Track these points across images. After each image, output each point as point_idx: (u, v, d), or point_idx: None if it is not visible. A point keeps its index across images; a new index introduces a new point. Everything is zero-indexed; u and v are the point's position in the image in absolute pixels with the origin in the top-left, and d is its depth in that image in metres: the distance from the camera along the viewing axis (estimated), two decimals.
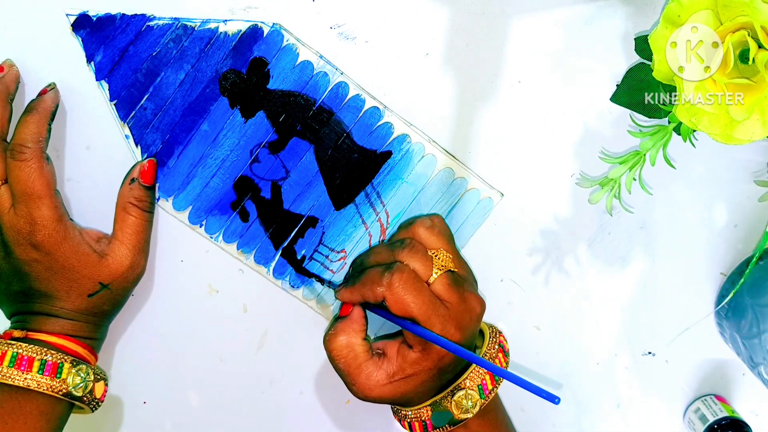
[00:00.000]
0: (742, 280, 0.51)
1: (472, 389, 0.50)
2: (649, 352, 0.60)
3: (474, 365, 0.50)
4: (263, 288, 0.55)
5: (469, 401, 0.49)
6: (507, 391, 0.59)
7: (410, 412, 0.51)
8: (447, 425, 0.50)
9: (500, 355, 0.52)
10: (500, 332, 0.54)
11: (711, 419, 0.59)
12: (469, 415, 0.50)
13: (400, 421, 0.53)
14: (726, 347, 0.59)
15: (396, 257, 0.50)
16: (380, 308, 0.50)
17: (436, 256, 0.50)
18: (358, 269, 0.53)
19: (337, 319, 0.52)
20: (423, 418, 0.50)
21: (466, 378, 0.50)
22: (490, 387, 0.50)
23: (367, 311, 0.52)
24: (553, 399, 0.43)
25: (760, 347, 0.54)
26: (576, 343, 0.59)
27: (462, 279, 0.51)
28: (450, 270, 0.50)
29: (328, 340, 0.51)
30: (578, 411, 0.61)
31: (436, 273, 0.49)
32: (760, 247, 0.50)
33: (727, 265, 0.58)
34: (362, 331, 0.51)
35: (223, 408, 0.59)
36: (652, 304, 0.58)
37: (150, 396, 0.58)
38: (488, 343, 0.52)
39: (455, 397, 0.49)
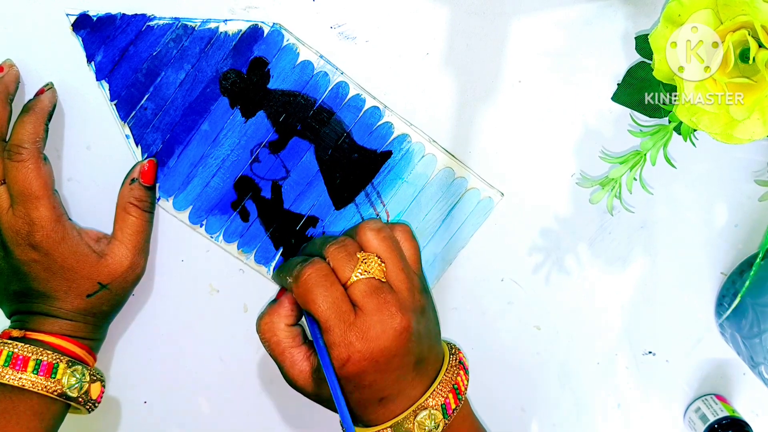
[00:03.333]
0: (747, 283, 0.51)
1: (436, 408, 0.46)
2: (649, 352, 0.60)
3: (437, 381, 0.47)
4: (264, 288, 0.55)
5: (432, 421, 0.46)
6: (507, 391, 0.59)
7: None
8: None
9: (461, 372, 0.49)
10: (459, 349, 0.51)
11: (711, 419, 0.59)
12: None
13: None
14: (726, 347, 0.59)
15: (323, 251, 0.47)
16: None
17: (364, 260, 0.46)
18: (298, 255, 0.52)
19: (272, 302, 0.50)
20: None
21: (429, 397, 0.46)
22: (453, 406, 0.47)
23: None
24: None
25: (760, 347, 0.54)
26: (576, 343, 0.59)
27: (392, 291, 0.46)
28: (375, 278, 0.46)
29: (257, 321, 0.50)
30: (578, 411, 0.61)
31: (356, 277, 0.46)
32: (763, 247, 0.50)
33: (727, 265, 0.58)
34: (288, 317, 0.49)
35: (223, 408, 0.59)
36: (652, 304, 0.59)
37: (150, 396, 0.58)
38: (449, 360, 0.49)
39: (418, 418, 0.46)
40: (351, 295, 0.46)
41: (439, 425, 0.46)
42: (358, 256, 0.47)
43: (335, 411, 0.48)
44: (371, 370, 0.45)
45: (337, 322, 0.45)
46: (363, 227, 0.48)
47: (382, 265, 0.47)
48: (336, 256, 0.46)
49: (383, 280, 0.46)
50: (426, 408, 0.46)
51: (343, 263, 0.46)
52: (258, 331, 0.49)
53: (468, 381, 0.49)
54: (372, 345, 0.45)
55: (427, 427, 0.46)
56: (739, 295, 0.52)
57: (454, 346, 0.51)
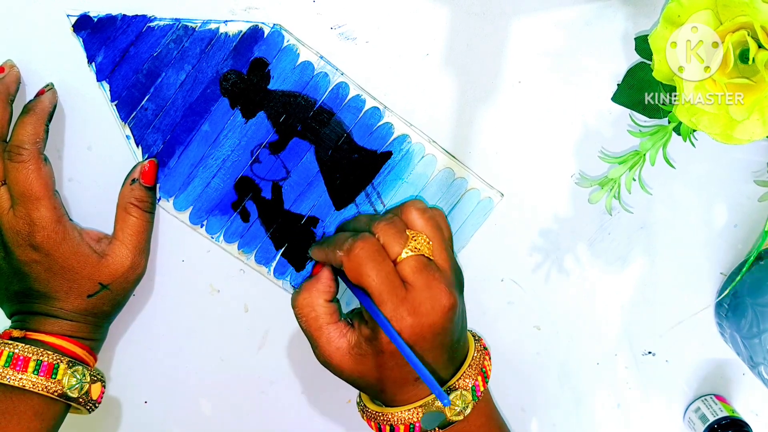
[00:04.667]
0: (738, 277, 0.51)
1: (466, 389, 0.47)
2: (649, 352, 0.60)
3: (466, 364, 0.48)
4: (264, 288, 0.55)
5: (462, 402, 0.47)
6: (507, 391, 0.59)
7: (399, 413, 0.47)
8: (437, 428, 0.47)
9: (486, 357, 0.50)
10: (481, 337, 0.52)
11: (711, 419, 0.59)
12: (461, 418, 0.47)
13: (380, 424, 0.48)
14: (726, 347, 0.59)
15: (371, 227, 0.47)
16: (345, 277, 0.48)
17: (413, 237, 0.47)
18: (340, 231, 0.53)
19: (308, 278, 0.51)
20: (412, 421, 0.47)
21: (460, 378, 0.48)
22: (481, 389, 0.48)
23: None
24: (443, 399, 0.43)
25: (760, 347, 0.54)
26: (576, 343, 0.59)
27: (439, 270, 0.47)
28: (424, 255, 0.47)
29: (293, 297, 0.49)
30: (578, 411, 0.61)
31: (406, 253, 0.46)
32: (758, 247, 0.50)
33: (727, 265, 0.58)
34: (327, 293, 0.49)
35: (223, 408, 0.59)
36: (652, 304, 0.59)
37: (151, 396, 0.58)
38: (475, 345, 0.50)
39: (450, 397, 0.47)
40: (401, 272, 0.46)
41: (468, 406, 0.47)
42: (408, 233, 0.47)
43: (365, 390, 0.49)
44: (418, 346, 0.46)
45: (389, 296, 0.45)
46: (409, 207, 0.49)
47: (430, 243, 0.48)
48: (387, 232, 0.47)
49: (431, 257, 0.47)
50: (457, 389, 0.47)
51: (393, 239, 0.47)
52: (294, 306, 0.49)
53: (491, 366, 0.50)
54: (423, 320, 0.45)
55: (457, 408, 0.47)
56: (730, 288, 0.52)
57: (476, 333, 0.53)
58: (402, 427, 0.47)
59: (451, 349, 0.48)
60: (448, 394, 0.47)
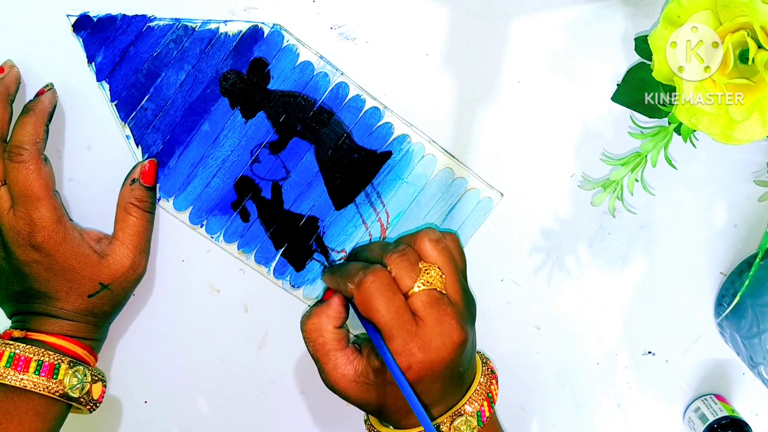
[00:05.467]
0: (747, 282, 0.51)
1: (472, 415, 0.47)
2: (649, 352, 0.60)
3: (472, 389, 0.48)
4: (264, 288, 0.55)
5: (468, 427, 0.47)
6: (507, 392, 0.59)
7: None
8: None
9: (493, 381, 0.50)
10: (489, 358, 0.52)
11: (711, 419, 0.59)
12: None
13: None
14: (726, 347, 0.59)
15: (384, 258, 0.47)
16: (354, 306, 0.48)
17: (426, 270, 0.47)
18: (352, 258, 0.53)
19: (318, 302, 0.51)
20: None
21: (466, 403, 0.47)
22: (487, 414, 0.48)
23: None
24: None
25: (760, 347, 0.54)
26: (576, 343, 0.59)
27: (451, 304, 0.47)
28: (436, 289, 0.47)
29: (302, 321, 0.49)
30: (578, 411, 0.61)
31: (418, 287, 0.46)
32: (762, 247, 0.50)
33: (727, 265, 0.58)
34: (337, 319, 0.48)
35: (223, 408, 0.59)
36: (652, 304, 0.59)
37: (151, 396, 0.58)
38: (482, 370, 0.50)
39: (455, 423, 0.47)
40: (412, 305, 0.46)
41: (473, 431, 0.47)
42: (420, 266, 0.47)
43: (372, 414, 0.49)
44: (427, 379, 0.46)
45: (399, 332, 0.45)
46: (422, 237, 0.48)
47: (443, 276, 0.47)
48: (399, 265, 0.46)
49: (443, 291, 0.47)
50: (462, 414, 0.47)
51: (405, 273, 0.46)
52: (303, 330, 0.49)
53: (498, 390, 0.50)
54: (432, 356, 0.45)
55: None
56: (738, 295, 0.52)
57: (485, 355, 0.52)
58: None
59: (459, 377, 0.48)
60: (454, 420, 0.47)
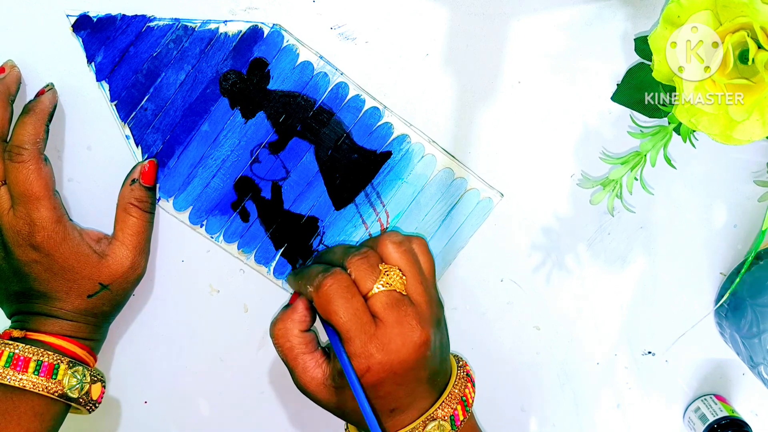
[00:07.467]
0: (738, 278, 0.51)
1: (445, 420, 0.46)
2: (649, 352, 0.60)
3: (446, 393, 0.47)
4: (264, 288, 0.56)
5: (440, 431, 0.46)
6: (507, 392, 0.59)
7: None
8: None
9: (469, 384, 0.49)
10: (466, 362, 0.51)
11: (711, 419, 0.59)
12: None
13: None
14: (726, 347, 0.59)
15: (345, 261, 0.47)
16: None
17: (386, 272, 0.46)
18: (315, 262, 0.52)
19: (285, 307, 0.50)
20: None
21: (438, 408, 0.47)
22: (461, 418, 0.47)
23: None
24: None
25: (759, 347, 0.54)
26: (576, 343, 0.59)
27: (412, 305, 0.46)
28: (396, 290, 0.46)
29: (270, 326, 0.49)
30: (578, 411, 0.61)
31: (378, 288, 0.46)
32: (756, 247, 0.50)
33: (727, 265, 0.58)
34: (302, 322, 0.48)
35: (223, 408, 0.59)
36: (652, 304, 0.59)
37: (151, 396, 0.58)
38: (457, 373, 0.49)
39: (427, 429, 0.46)
40: (372, 307, 0.46)
41: None
42: (380, 268, 0.47)
43: (344, 419, 0.49)
44: (388, 382, 0.45)
45: (358, 333, 0.45)
46: (384, 240, 0.48)
47: (403, 278, 0.47)
48: (359, 267, 0.46)
49: (404, 293, 0.47)
50: (435, 419, 0.46)
51: (365, 274, 0.46)
52: (271, 336, 0.49)
53: (475, 394, 0.49)
54: (392, 357, 0.45)
55: None
56: (729, 291, 0.52)
57: (461, 358, 0.52)
58: None
59: (429, 380, 0.47)
60: (427, 425, 0.46)
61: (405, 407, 0.47)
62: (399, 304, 0.46)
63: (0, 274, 0.50)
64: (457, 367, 0.50)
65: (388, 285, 0.46)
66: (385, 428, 0.47)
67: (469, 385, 0.49)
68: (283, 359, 0.49)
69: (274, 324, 0.49)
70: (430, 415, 0.46)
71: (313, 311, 0.49)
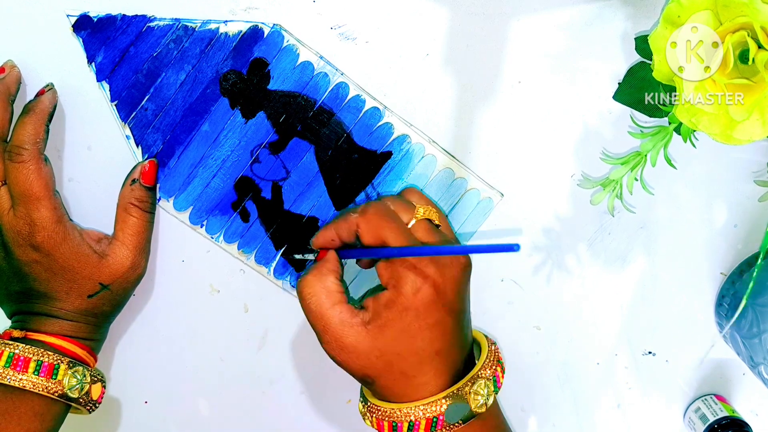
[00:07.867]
0: (751, 284, 0.50)
1: (488, 379, 0.46)
2: (649, 352, 0.60)
3: (484, 355, 0.47)
4: (264, 288, 0.56)
5: (486, 390, 0.45)
6: (507, 391, 0.59)
7: (420, 406, 0.44)
8: (459, 422, 0.44)
9: (498, 352, 0.49)
10: (494, 342, 0.51)
11: (711, 419, 0.59)
12: (484, 409, 0.45)
13: (395, 422, 0.45)
14: (726, 347, 0.59)
15: (380, 199, 0.49)
16: (354, 250, 0.47)
17: (420, 206, 0.48)
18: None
19: (311, 265, 0.49)
20: (435, 414, 0.44)
21: (481, 368, 0.46)
22: (501, 380, 0.47)
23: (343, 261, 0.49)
24: (512, 248, 0.37)
25: (760, 347, 0.54)
26: (576, 343, 0.59)
27: (447, 237, 0.49)
28: (433, 221, 0.48)
29: (299, 282, 0.47)
30: (578, 411, 0.61)
31: (416, 218, 0.48)
32: (763, 248, 0.50)
33: (727, 265, 0.58)
34: (336, 272, 0.47)
35: (223, 408, 0.59)
36: (652, 304, 0.59)
37: (151, 396, 0.58)
38: (488, 351, 0.48)
39: (475, 387, 0.45)
40: (413, 234, 0.47)
41: (490, 397, 0.45)
42: (416, 204, 0.49)
43: (375, 386, 0.46)
44: (439, 303, 0.45)
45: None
46: (410, 190, 0.51)
47: (435, 211, 0.49)
48: (394, 202, 0.48)
49: (438, 224, 0.49)
50: (480, 378, 0.46)
51: (401, 208, 0.48)
52: (302, 288, 0.46)
53: (504, 370, 0.49)
54: (445, 272, 0.45)
55: (481, 398, 0.45)
56: (745, 298, 0.51)
57: (488, 337, 0.52)
58: (423, 422, 0.44)
59: (464, 324, 0.47)
60: (472, 384, 0.45)
61: (446, 351, 0.45)
62: (439, 233, 0.48)
63: (0, 274, 0.50)
64: (488, 343, 0.49)
65: (425, 215, 0.48)
66: (460, 386, 0.46)
67: (498, 352, 0.50)
68: (315, 313, 0.46)
69: (305, 277, 0.47)
70: (475, 374, 0.46)
71: (341, 262, 0.48)
